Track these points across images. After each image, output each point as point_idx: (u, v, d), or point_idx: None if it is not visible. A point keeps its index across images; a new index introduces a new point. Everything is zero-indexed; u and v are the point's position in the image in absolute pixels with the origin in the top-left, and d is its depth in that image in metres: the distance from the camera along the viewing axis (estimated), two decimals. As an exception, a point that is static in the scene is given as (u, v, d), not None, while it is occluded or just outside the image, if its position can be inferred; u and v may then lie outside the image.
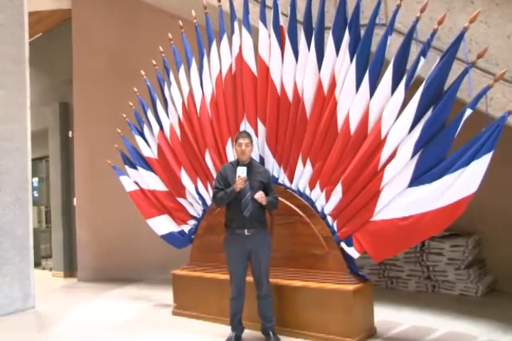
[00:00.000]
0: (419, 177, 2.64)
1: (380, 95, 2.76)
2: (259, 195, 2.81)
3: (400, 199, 2.70)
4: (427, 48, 2.61)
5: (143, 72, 3.96)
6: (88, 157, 5.28)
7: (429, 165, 2.61)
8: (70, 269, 5.59)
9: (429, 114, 2.60)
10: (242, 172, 2.80)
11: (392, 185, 2.71)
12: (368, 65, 2.81)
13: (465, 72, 2.50)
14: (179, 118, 3.76)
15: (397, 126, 2.69)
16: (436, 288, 4.10)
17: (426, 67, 2.66)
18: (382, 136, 2.74)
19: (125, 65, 5.16)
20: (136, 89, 4.01)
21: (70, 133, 5.59)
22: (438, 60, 2.58)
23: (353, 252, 2.92)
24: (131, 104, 4.04)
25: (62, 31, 5.71)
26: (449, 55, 2.52)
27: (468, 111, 2.49)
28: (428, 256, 4.12)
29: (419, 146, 2.62)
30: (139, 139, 3.95)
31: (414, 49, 2.69)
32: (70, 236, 5.58)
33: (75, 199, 5.39)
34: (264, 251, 2.89)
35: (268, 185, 2.97)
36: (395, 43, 2.86)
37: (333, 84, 2.97)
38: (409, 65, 2.71)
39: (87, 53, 5.31)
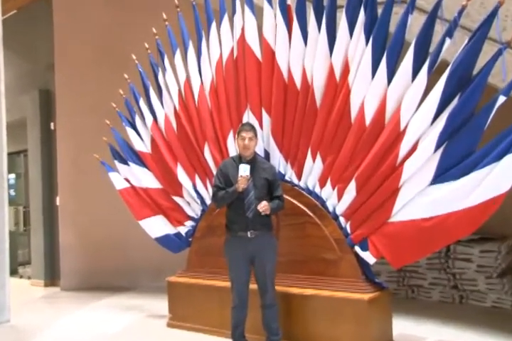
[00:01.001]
0: (443, 174, 2.68)
1: (399, 81, 2.80)
2: (263, 208, 2.86)
3: (422, 198, 2.74)
4: (454, 27, 2.60)
5: (134, 57, 4.01)
6: (73, 151, 5.33)
7: (455, 160, 2.65)
8: (51, 277, 5.62)
9: (455, 102, 2.62)
10: (244, 170, 2.85)
11: (413, 183, 2.76)
12: (386, 48, 2.84)
13: (498, 53, 2.49)
14: (175, 108, 3.83)
15: (419, 116, 2.73)
16: (464, 298, 4.12)
17: (452, 49, 2.66)
18: (402, 128, 2.78)
19: (115, 48, 5.19)
20: (126, 76, 4.06)
21: (52, 124, 5.62)
22: (466, 41, 2.57)
23: (368, 257, 2.98)
24: (122, 92, 4.10)
25: (41, 8, 5.65)
26: (480, 35, 2.50)
27: (502, 99, 2.50)
28: (454, 262, 4.14)
29: (443, 138, 2.64)
30: (130, 131, 4.01)
31: (439, 29, 2.69)
32: (52, 240, 5.61)
33: (57, 199, 5.45)
34: (269, 255, 2.95)
35: (273, 182, 3.02)
36: (416, 23, 2.86)
37: (346, 70, 3.01)
38: (432, 48, 2.73)
39: (72, 34, 5.31)
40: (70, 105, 5.38)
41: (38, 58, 5.89)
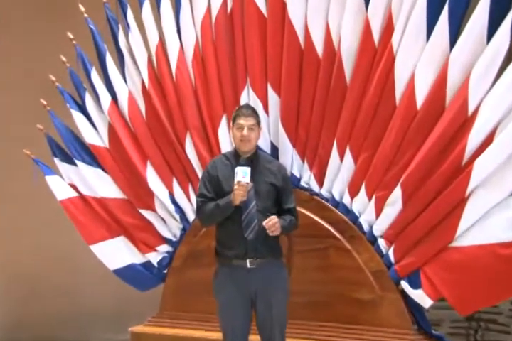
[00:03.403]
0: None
1: (468, 44, 2.78)
2: (271, 225, 2.83)
3: (501, 213, 2.74)
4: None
5: (82, 8, 3.98)
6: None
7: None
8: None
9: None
10: (243, 175, 2.83)
11: (487, 190, 2.75)
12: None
13: None
14: (143, 84, 3.82)
15: (496, 95, 2.72)
16: None
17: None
18: (470, 111, 2.77)
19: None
20: (71, 36, 4.02)
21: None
22: None
23: (421, 298, 2.96)
24: (64, 59, 4.06)
25: None
26: None
27: None
28: (556, 309, 4.16)
29: (532, 127, 2.65)
30: (77, 116, 3.98)
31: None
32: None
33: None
34: (278, 293, 2.93)
35: (283, 189, 3.02)
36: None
37: (389, 28, 3.01)
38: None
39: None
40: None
41: None
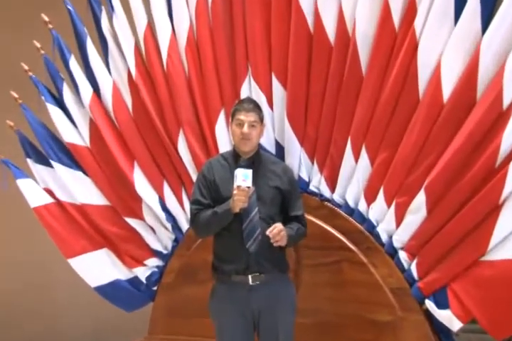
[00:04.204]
0: None
1: (502, 28, 2.76)
2: (276, 234, 2.81)
3: None
4: None
5: (60, -13, 4.01)
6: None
7: None
8: None
9: None
10: (244, 178, 2.81)
11: None
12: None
13: None
14: (129, 74, 3.82)
15: None
16: None
17: None
18: (505, 105, 2.76)
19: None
20: (47, 18, 4.00)
21: None
22: None
23: (449, 320, 2.96)
24: (39, 45, 4.04)
25: None
26: None
27: None
28: None
29: None
30: (54, 111, 3.97)
31: None
32: None
33: None
34: (284, 313, 2.92)
35: (290, 194, 3.01)
36: None
37: (410, 11, 3.00)
38: None
39: None
40: None
41: None
